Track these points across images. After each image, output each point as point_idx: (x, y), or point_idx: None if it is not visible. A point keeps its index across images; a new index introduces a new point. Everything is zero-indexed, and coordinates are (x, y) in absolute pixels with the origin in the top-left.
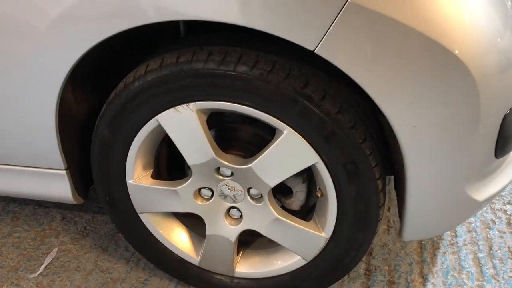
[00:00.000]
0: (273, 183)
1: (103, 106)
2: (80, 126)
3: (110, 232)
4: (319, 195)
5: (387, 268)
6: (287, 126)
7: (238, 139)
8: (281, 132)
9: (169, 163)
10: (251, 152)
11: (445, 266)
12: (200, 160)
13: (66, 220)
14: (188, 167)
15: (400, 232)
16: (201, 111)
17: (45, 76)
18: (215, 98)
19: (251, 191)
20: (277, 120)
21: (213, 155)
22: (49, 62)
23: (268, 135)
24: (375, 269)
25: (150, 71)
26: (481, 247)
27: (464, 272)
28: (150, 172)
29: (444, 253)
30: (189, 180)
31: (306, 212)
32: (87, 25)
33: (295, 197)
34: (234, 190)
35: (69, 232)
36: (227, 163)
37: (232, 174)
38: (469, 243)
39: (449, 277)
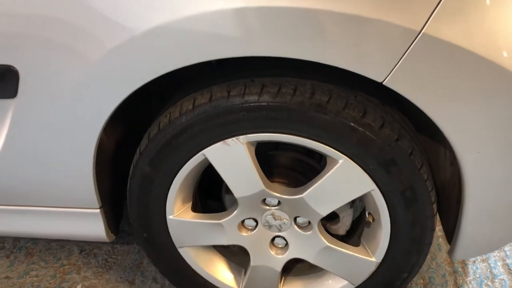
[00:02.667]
0: (325, 212)
1: (142, 141)
2: (115, 164)
3: (134, 263)
4: (370, 220)
5: (422, 281)
6: (343, 155)
7: (278, 166)
8: (335, 161)
9: (203, 192)
10: (294, 179)
11: (477, 276)
12: (249, 192)
13: (84, 253)
14: (230, 197)
15: (451, 252)
16: (250, 143)
17: (85, 121)
18: (268, 130)
19: (298, 219)
20: (332, 149)
21: (263, 186)
22: (91, 105)
23: (310, 159)
24: (411, 283)
25: (199, 106)
26: (508, 252)
27: (497, 280)
28: (189, 205)
29: (474, 261)
30: (234, 212)
31: (348, 235)
32: (139, 63)
33: (342, 222)
34: (280, 219)
35: (90, 266)
36: (277, 194)
37: (278, 203)
38: (496, 250)
39: (483, 286)
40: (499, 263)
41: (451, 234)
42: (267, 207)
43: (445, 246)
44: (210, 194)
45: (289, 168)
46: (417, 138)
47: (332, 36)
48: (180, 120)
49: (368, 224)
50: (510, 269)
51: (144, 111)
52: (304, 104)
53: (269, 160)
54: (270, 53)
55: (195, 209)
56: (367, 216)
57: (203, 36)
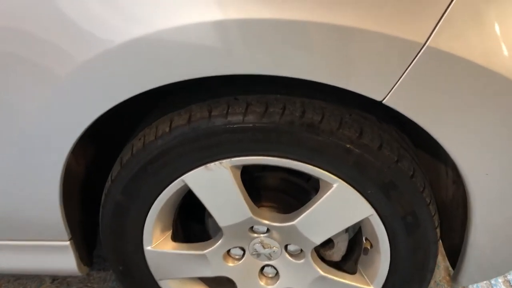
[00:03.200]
0: (319, 240)
1: (114, 167)
2: (86, 190)
3: None
4: (368, 247)
5: None
6: (338, 179)
7: (265, 188)
8: (329, 185)
9: (184, 215)
10: (284, 202)
11: None
12: (235, 220)
13: (57, 282)
14: (214, 222)
15: (455, 277)
16: (235, 167)
17: (50, 146)
18: (254, 153)
19: (289, 247)
20: (326, 172)
21: (250, 214)
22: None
23: (300, 180)
24: None
25: (177, 128)
26: None
27: None
28: (169, 233)
29: None
30: (219, 242)
31: (343, 259)
32: (113, 80)
33: (336, 247)
34: (270, 247)
35: None
36: (266, 221)
37: (267, 230)
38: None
39: None
40: (500, 280)
41: (454, 258)
42: (255, 235)
43: (443, 263)
44: (193, 216)
45: (278, 190)
46: (417, 156)
47: (324, 50)
48: (155, 143)
49: (366, 251)
50: (511, 285)
51: (118, 130)
52: (294, 124)
53: (255, 182)
54: (257, 71)
55: (175, 237)
56: (364, 242)
57: (183, 51)
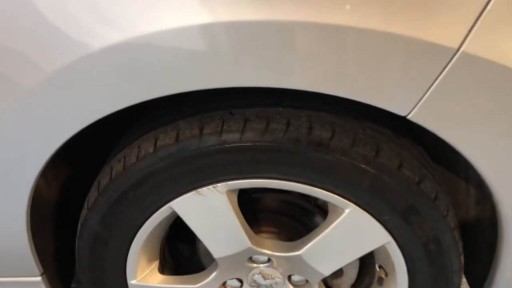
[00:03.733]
0: (328, 271)
1: (91, 193)
2: (57, 217)
3: None
4: (383, 276)
5: None
6: (351, 203)
7: (264, 211)
8: (340, 210)
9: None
10: (286, 226)
11: None
12: (232, 251)
13: None
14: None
15: None
16: (231, 191)
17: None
18: (254, 176)
19: (294, 277)
20: (338, 197)
21: (249, 244)
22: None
23: (303, 201)
24: None
25: (162, 148)
26: None
27: None
28: (155, 264)
29: None
30: (213, 274)
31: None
32: (90, 93)
33: (346, 275)
34: (271, 278)
35: None
36: (267, 251)
37: (269, 259)
38: None
39: None
40: None
41: (479, 285)
42: (255, 265)
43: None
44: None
45: (278, 213)
46: (436, 174)
47: (340, 57)
48: (138, 166)
49: (380, 280)
50: None
51: (96, 148)
52: (300, 142)
53: (251, 204)
54: (258, 83)
55: (163, 267)
56: (378, 270)
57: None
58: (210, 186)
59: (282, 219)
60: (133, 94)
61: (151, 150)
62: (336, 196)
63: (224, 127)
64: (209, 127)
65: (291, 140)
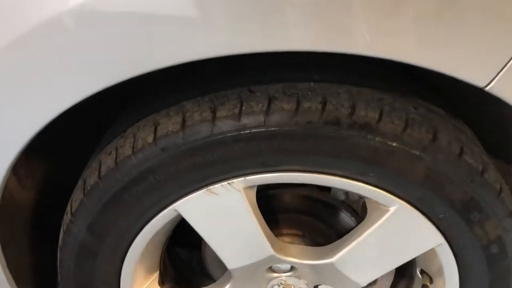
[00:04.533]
0: (365, 281)
1: (75, 194)
2: (32, 227)
3: None
4: (427, 283)
5: None
6: (399, 200)
7: (284, 210)
8: (383, 208)
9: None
10: (310, 227)
11: None
12: (250, 260)
13: None
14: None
15: None
16: (250, 188)
17: None
18: (280, 168)
19: (321, 287)
20: (383, 192)
21: (272, 251)
22: None
23: (325, 196)
24: None
25: (165, 137)
26: None
27: None
28: (155, 276)
29: None
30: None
31: None
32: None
33: (381, 283)
34: None
35: None
36: (293, 259)
37: (291, 268)
38: None
39: None
40: None
41: None
42: (275, 275)
43: None
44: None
45: (301, 212)
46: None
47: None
48: (134, 160)
49: None
50: None
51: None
52: (341, 125)
53: (269, 202)
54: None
55: (164, 279)
56: (420, 275)
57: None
58: (225, 183)
59: (306, 220)
60: (114, 71)
61: (150, 139)
62: (382, 192)
63: (243, 109)
64: (223, 108)
65: (329, 122)
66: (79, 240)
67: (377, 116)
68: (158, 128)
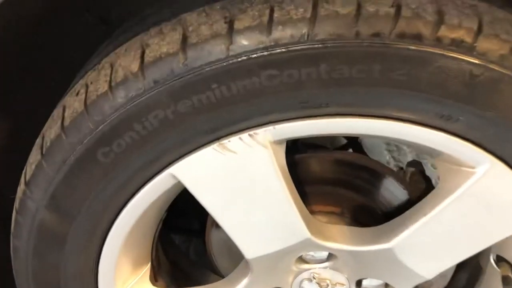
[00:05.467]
0: (433, 272)
1: (30, 158)
2: None
3: None
4: (510, 274)
5: None
6: (493, 156)
7: (314, 179)
8: (464, 172)
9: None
10: (349, 202)
11: None
12: (278, 246)
13: None
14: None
15: None
16: (279, 144)
17: None
18: (327, 111)
19: (366, 282)
20: (471, 144)
21: (307, 233)
22: None
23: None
24: None
25: (156, 62)
26: None
27: None
28: (145, 270)
29: None
30: (242, 283)
31: None
32: None
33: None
34: (330, 284)
35: None
36: (336, 245)
37: (328, 257)
38: None
39: None
40: None
41: None
42: (306, 266)
43: None
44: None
45: (337, 182)
46: None
47: None
48: (111, 99)
49: (507, 280)
50: None
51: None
52: (423, 40)
53: (295, 170)
54: None
55: (157, 273)
56: (495, 265)
57: None
58: (245, 134)
59: (343, 193)
60: None
61: (135, 67)
62: (471, 145)
63: (274, 16)
64: (245, 17)
65: (405, 35)
66: (38, 221)
67: (475, 27)
68: (147, 52)
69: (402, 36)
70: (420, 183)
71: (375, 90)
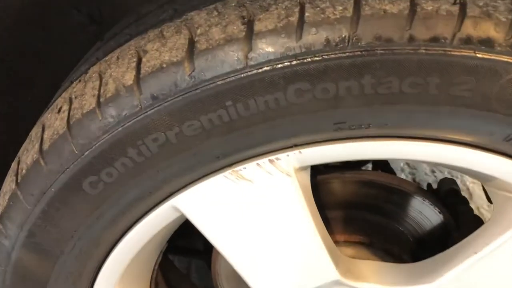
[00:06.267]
0: None
1: (4, 188)
2: None
3: None
4: None
5: None
6: None
7: (335, 204)
8: None
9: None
10: (377, 229)
11: None
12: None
13: None
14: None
15: None
16: (304, 171)
17: None
18: (367, 133)
19: None
20: None
21: (336, 274)
22: None
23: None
24: None
25: (157, 74)
26: None
27: None
28: None
29: None
30: None
31: None
32: None
33: None
34: None
35: None
36: (372, 286)
37: None
38: None
39: None
40: None
41: None
42: None
43: None
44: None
45: (364, 207)
46: None
47: None
48: (100, 118)
49: None
50: None
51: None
52: (495, 46)
53: (316, 193)
54: None
55: None
56: None
57: None
58: (264, 160)
59: (372, 218)
60: None
61: (129, 80)
62: None
63: (305, 16)
64: (268, 17)
65: (470, 40)
66: (14, 262)
67: None
68: (144, 60)
69: (467, 41)
70: (457, 205)
71: (431, 109)
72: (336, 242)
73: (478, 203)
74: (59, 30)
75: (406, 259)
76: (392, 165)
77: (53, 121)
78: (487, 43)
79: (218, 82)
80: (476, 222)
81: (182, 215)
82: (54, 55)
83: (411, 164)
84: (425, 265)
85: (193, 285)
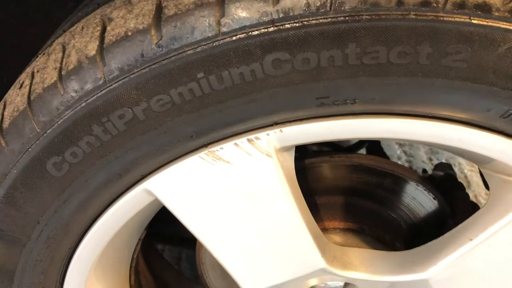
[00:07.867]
0: None
1: None
2: None
3: None
4: None
5: None
6: None
7: (324, 188)
8: None
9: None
10: (369, 215)
11: None
12: (285, 277)
13: None
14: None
15: None
16: (287, 151)
17: None
18: (353, 110)
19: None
20: None
21: (322, 262)
22: None
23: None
24: None
25: (121, 43)
26: None
27: None
28: None
29: None
30: None
31: None
32: None
33: None
34: None
35: None
36: (358, 275)
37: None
38: None
39: None
40: None
41: None
42: None
43: None
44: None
45: (355, 192)
46: None
47: None
48: (62, 93)
49: None
50: None
51: None
52: (493, 13)
53: (304, 177)
54: None
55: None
56: None
57: None
58: (242, 139)
59: (363, 204)
60: None
61: (92, 50)
62: None
63: None
64: None
65: (466, 4)
66: None
67: None
68: (109, 28)
69: (462, 5)
70: (453, 191)
71: (421, 81)
72: (325, 229)
73: (476, 191)
74: (36, 6)
75: (399, 247)
76: (388, 152)
77: (14, 97)
78: (484, 8)
79: (188, 52)
80: (472, 209)
81: (158, 200)
82: (31, 31)
83: (408, 152)
84: (417, 253)
85: (179, 273)
